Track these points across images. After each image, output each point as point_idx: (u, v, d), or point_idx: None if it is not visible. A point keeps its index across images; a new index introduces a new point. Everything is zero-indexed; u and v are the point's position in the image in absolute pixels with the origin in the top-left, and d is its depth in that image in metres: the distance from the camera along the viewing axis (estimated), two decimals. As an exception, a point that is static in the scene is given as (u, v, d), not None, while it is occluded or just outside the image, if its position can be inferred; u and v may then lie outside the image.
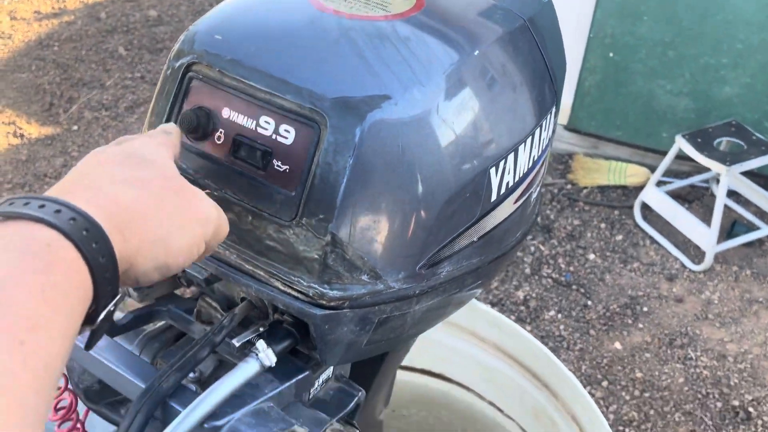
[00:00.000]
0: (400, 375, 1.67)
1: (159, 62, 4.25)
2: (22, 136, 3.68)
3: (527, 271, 2.94)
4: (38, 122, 3.79)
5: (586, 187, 3.37)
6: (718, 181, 3.16)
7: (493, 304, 2.74)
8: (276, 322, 0.71)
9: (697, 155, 2.79)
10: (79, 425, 0.76)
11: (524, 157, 0.79)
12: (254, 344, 0.66)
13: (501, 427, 1.54)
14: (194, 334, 0.76)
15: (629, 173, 3.32)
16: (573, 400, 1.32)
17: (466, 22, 0.76)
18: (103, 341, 0.70)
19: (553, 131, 0.90)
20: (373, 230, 0.66)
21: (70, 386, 0.73)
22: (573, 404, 1.32)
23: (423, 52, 0.68)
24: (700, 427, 2.34)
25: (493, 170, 0.74)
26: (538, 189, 0.92)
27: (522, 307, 2.75)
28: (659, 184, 3.10)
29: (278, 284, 0.68)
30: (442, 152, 0.68)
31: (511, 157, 0.76)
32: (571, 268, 2.96)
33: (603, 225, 3.18)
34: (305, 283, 0.66)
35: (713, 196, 3.13)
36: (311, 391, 0.78)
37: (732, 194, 3.11)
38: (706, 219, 2.93)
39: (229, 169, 0.68)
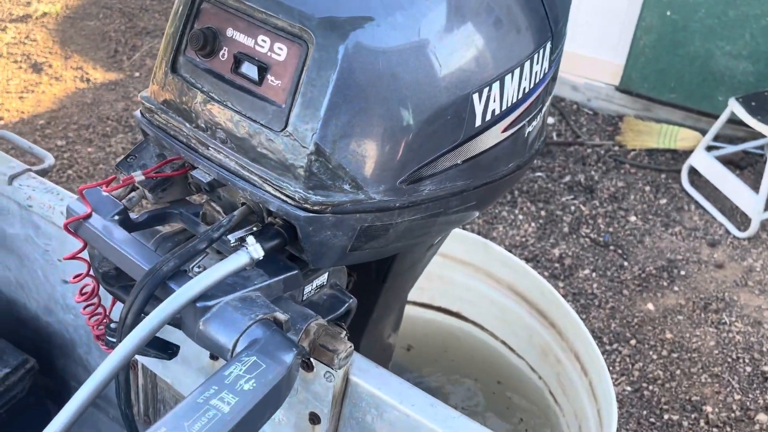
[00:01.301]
0: (418, 312, 1.75)
1: (219, 13, 4.36)
2: (88, 80, 3.88)
3: (565, 230, 2.95)
4: (103, 68, 3.97)
5: (633, 150, 3.32)
6: (772, 147, 3.06)
7: (527, 260, 2.77)
8: (268, 224, 0.79)
9: (749, 119, 2.72)
10: (101, 309, 0.87)
11: (512, 87, 0.84)
12: (246, 239, 0.74)
13: (512, 365, 1.61)
14: (192, 239, 0.84)
15: (680, 137, 3.25)
16: (576, 337, 1.37)
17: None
18: (122, 235, 0.80)
19: (552, 68, 0.94)
20: (354, 143, 0.73)
21: (91, 273, 0.83)
22: (575, 342, 1.37)
23: (410, -21, 0.73)
24: (726, 389, 2.34)
25: (476, 96, 0.79)
26: (536, 125, 0.96)
27: (557, 264, 2.78)
28: (710, 148, 3.04)
29: (270, 189, 0.75)
30: (422, 74, 0.74)
31: (496, 85, 0.81)
32: (611, 229, 2.96)
33: (648, 188, 3.15)
34: (292, 188, 0.74)
35: (766, 163, 3.04)
36: (305, 293, 0.87)
37: (787, 163, 3.01)
38: (756, 186, 2.86)
39: (231, 83, 0.76)
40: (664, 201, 3.07)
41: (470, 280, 1.60)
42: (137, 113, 0.86)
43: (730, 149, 3.11)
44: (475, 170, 0.86)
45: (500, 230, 2.89)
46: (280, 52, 0.73)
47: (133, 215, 0.84)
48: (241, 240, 0.76)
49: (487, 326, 1.65)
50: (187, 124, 0.80)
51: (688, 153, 3.16)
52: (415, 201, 0.80)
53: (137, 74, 3.98)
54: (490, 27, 0.78)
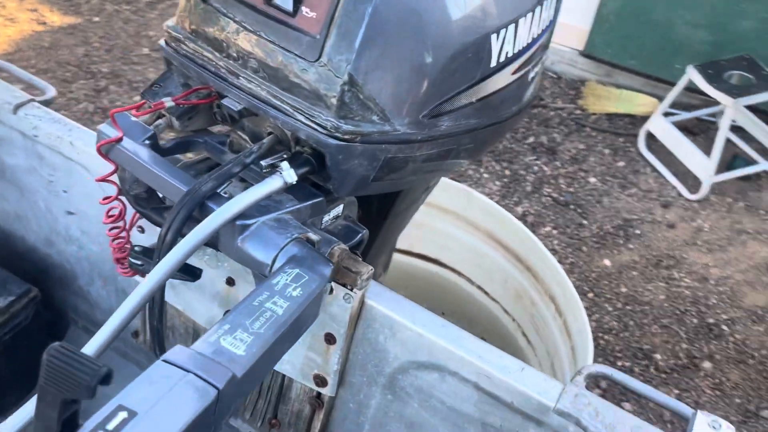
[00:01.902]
0: (400, 258, 1.82)
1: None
2: (44, 23, 3.74)
3: (528, 189, 3.06)
4: (60, 11, 3.84)
5: (594, 114, 3.44)
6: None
7: (492, 216, 2.87)
8: (297, 153, 0.83)
9: (706, 86, 2.85)
10: (125, 233, 0.89)
11: (524, 31, 0.89)
12: (279, 165, 0.78)
13: (486, 308, 1.70)
14: (226, 163, 0.88)
15: (639, 102, 3.38)
16: (552, 280, 1.46)
17: None
18: (156, 158, 0.82)
19: (555, 16, 0.99)
20: (385, 75, 0.77)
21: (121, 196, 0.86)
22: (552, 284, 1.46)
23: None
24: (675, 339, 2.50)
25: (494, 36, 0.84)
26: (536, 73, 1.02)
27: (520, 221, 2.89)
28: (666, 115, 3.17)
29: (301, 117, 0.79)
30: (450, 13, 0.78)
31: (511, 27, 0.86)
32: (571, 189, 3.08)
33: (607, 151, 3.27)
34: (324, 117, 0.78)
35: (717, 131, 3.20)
36: (323, 222, 0.91)
37: (737, 130, 3.17)
38: (708, 151, 3.01)
39: (264, 14, 0.79)
40: (621, 164, 3.21)
41: (451, 227, 1.67)
42: (161, 42, 0.88)
43: (684, 116, 3.26)
44: (486, 110, 0.91)
45: (467, 187, 2.98)
46: (317, -16, 0.76)
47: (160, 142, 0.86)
48: (272, 166, 0.80)
49: (464, 272, 1.73)
50: (217, 54, 0.83)
51: (645, 118, 3.30)
52: (434, 135, 0.85)
53: (96, 19, 3.86)
54: (511, -29, 0.83)
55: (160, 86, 0.88)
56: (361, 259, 0.92)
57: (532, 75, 1.00)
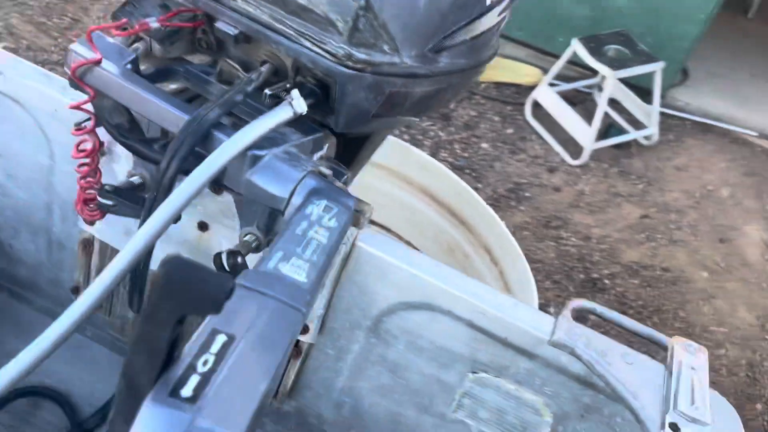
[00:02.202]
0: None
1: None
2: None
3: (426, 153, 3.12)
4: None
5: (483, 82, 3.56)
6: (600, 88, 3.46)
7: (393, 180, 2.90)
8: (300, 83, 0.78)
9: (589, 58, 3.04)
10: (96, 172, 0.80)
11: (512, -27, 0.90)
12: (290, 94, 0.73)
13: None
14: (210, 95, 0.81)
15: (524, 73, 3.54)
16: (488, 232, 1.50)
17: None
18: (145, 83, 0.73)
19: None
20: (400, 2, 0.75)
21: (97, 129, 0.76)
22: (488, 236, 1.51)
23: None
24: (564, 293, 2.68)
25: (493, -26, 0.84)
26: (505, 20, 1.03)
27: (420, 184, 2.94)
28: (551, 85, 3.35)
29: (308, 44, 0.75)
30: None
31: (505, -33, 0.86)
32: (466, 154, 3.18)
33: (496, 118, 3.41)
34: (335, 44, 0.74)
35: (594, 102, 3.44)
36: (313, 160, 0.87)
37: (611, 102, 3.42)
38: (588, 121, 3.23)
39: (270, -70, 0.73)
40: (510, 131, 3.36)
41: (385, 184, 1.67)
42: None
43: (565, 87, 3.46)
44: (473, 51, 0.91)
45: (368, 150, 2.98)
46: None
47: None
48: (275, 96, 0.75)
49: (394, 228, 1.73)
50: (209, -28, 0.76)
51: (530, 88, 3.46)
52: (434, 71, 0.84)
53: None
54: None
55: (135, 6, 0.79)
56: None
57: (503, 23, 1.01)
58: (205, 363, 0.40)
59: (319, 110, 0.80)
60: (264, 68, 0.78)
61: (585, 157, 3.20)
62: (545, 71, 3.42)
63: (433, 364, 0.94)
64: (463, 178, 3.06)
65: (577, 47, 3.10)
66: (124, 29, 0.76)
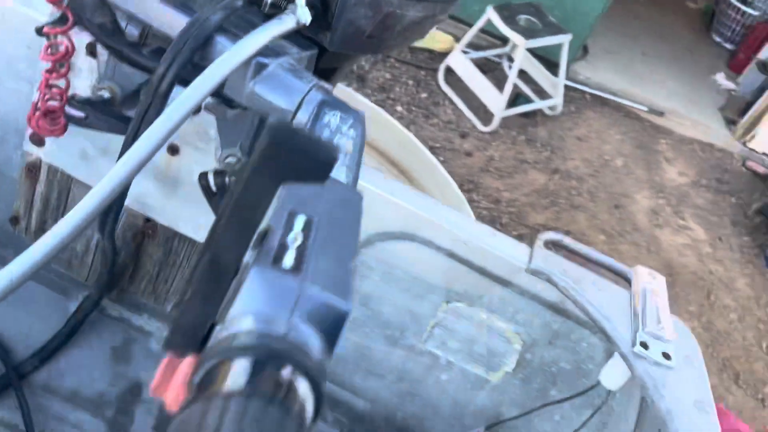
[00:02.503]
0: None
1: None
2: None
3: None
4: None
5: (398, 46, 3.57)
6: (510, 57, 3.57)
7: (310, 138, 2.86)
8: (296, -5, 0.75)
9: (502, 26, 3.13)
10: (64, 79, 0.72)
11: None
12: (293, 2, 0.70)
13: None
14: None
15: (438, 39, 3.58)
16: (431, 181, 1.52)
17: None
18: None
19: None
20: None
21: (74, 30, 0.69)
22: (431, 186, 1.53)
23: None
24: (478, 253, 2.78)
25: None
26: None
27: (337, 144, 2.92)
28: (463, 53, 3.42)
29: (310, -47, 0.71)
30: None
31: None
32: (381, 116, 3.19)
33: (411, 82, 3.44)
34: (339, -45, 0.72)
35: (503, 71, 3.55)
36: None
37: (519, 73, 3.55)
38: (498, 89, 3.33)
39: None
40: (424, 95, 3.40)
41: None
42: None
43: (476, 54, 3.54)
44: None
45: (285, 107, 2.92)
46: None
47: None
48: (275, 6, 0.72)
49: (330, 178, 1.71)
50: None
51: (442, 54, 3.51)
52: (424, -4, 0.83)
53: None
54: None
55: None
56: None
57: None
58: (295, 239, 0.38)
59: (314, 26, 0.77)
60: (260, -24, 0.74)
61: (495, 123, 3.30)
62: (457, 39, 3.48)
63: (407, 295, 0.95)
64: (378, 139, 3.09)
65: (492, 15, 3.17)
66: None
